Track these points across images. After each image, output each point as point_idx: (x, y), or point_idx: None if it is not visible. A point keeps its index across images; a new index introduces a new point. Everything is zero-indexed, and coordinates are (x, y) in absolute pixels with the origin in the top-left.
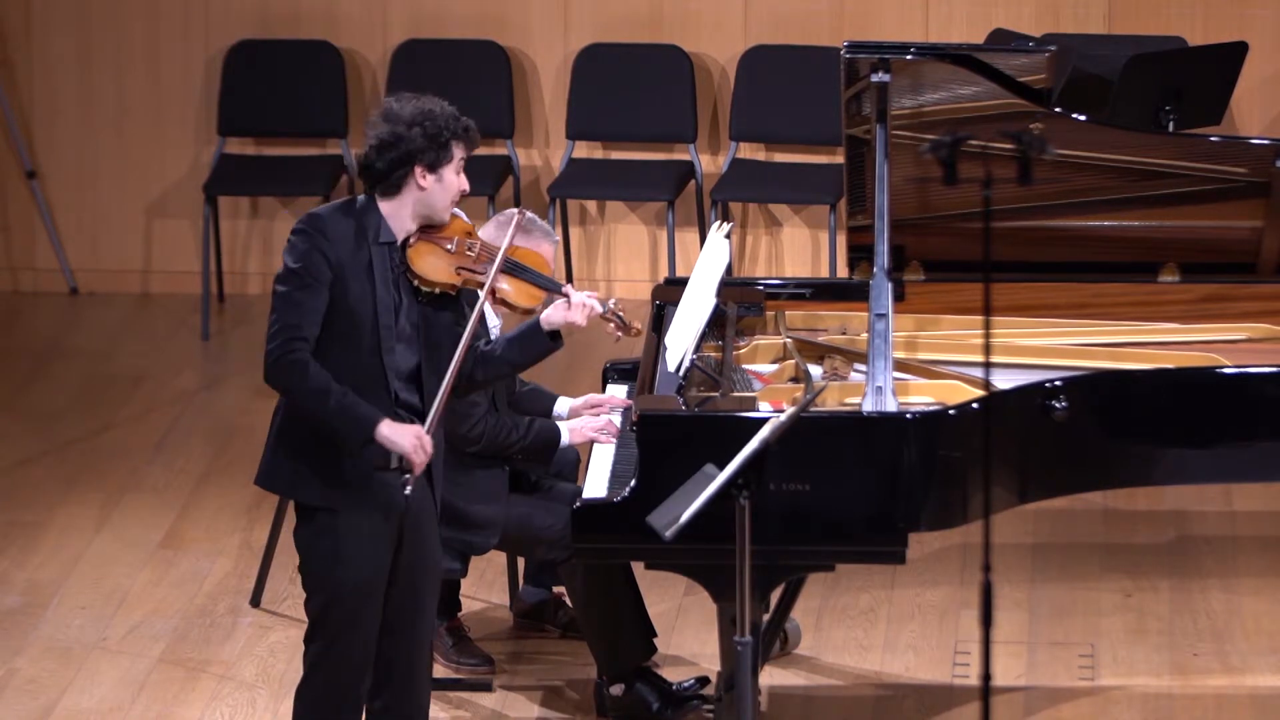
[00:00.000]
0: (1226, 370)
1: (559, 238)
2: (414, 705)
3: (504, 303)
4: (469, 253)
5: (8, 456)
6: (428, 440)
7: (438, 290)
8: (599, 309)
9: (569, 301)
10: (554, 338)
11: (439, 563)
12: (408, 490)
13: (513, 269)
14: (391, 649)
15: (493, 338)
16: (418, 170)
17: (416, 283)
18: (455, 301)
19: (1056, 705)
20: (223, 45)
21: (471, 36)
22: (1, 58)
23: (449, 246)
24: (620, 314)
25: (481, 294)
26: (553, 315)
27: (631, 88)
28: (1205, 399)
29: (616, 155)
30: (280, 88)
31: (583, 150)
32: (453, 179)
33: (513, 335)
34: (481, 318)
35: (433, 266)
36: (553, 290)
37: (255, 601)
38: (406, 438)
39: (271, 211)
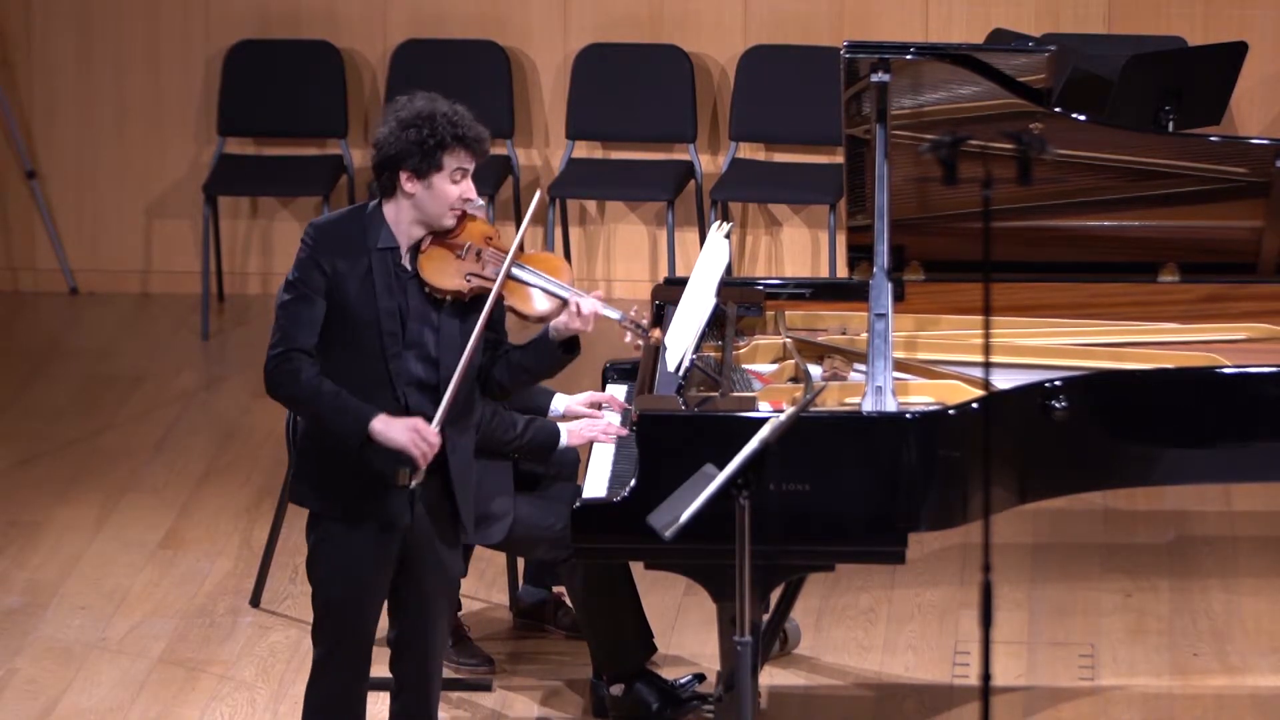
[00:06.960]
0: (1226, 370)
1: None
2: (425, 717)
3: (512, 309)
4: (479, 259)
5: (8, 456)
6: (430, 432)
7: (449, 298)
8: (611, 315)
9: (576, 310)
10: (568, 349)
11: (454, 579)
12: (413, 484)
13: (521, 276)
14: (402, 663)
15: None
16: (402, 176)
17: (428, 290)
18: (473, 309)
19: (1056, 705)
20: (223, 45)
21: (471, 36)
22: (1, 58)
23: (459, 253)
24: (639, 323)
25: (488, 302)
26: (558, 323)
27: (631, 88)
28: (1205, 399)
29: (616, 155)
30: (280, 88)
31: (582, 150)
32: (446, 188)
33: (525, 344)
34: (495, 321)
35: (441, 273)
36: (559, 297)
37: (255, 601)
38: (401, 431)
39: (271, 211)
